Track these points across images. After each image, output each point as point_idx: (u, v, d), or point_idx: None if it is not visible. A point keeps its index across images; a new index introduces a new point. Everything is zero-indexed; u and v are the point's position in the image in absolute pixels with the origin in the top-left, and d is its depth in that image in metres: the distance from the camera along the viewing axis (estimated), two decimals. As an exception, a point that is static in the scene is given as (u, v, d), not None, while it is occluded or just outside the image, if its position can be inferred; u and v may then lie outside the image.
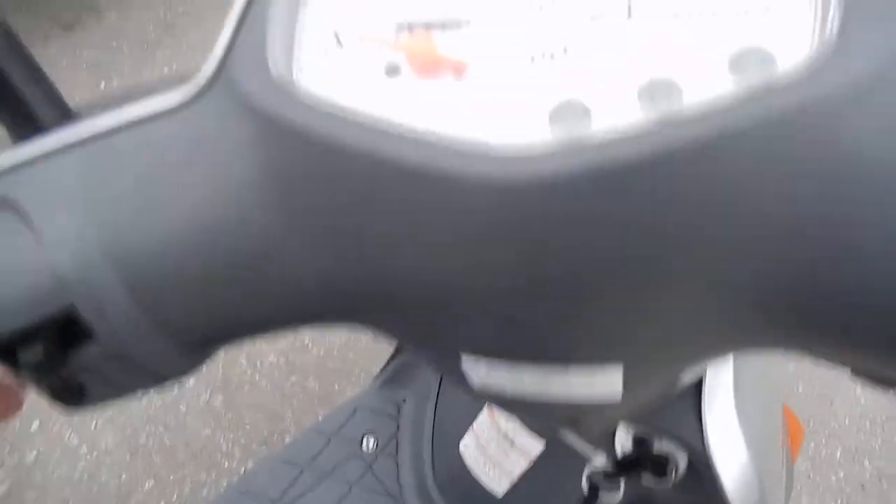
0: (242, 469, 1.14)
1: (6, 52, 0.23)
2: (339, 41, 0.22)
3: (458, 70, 0.20)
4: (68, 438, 1.16)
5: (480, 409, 0.45)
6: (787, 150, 0.17)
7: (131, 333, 0.22)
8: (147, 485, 1.12)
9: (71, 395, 0.24)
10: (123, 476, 1.13)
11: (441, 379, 0.50)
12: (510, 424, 0.42)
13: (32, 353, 0.22)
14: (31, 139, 0.24)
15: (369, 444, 0.49)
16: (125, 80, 1.61)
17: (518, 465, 0.42)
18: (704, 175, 0.18)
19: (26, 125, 0.24)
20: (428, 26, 0.21)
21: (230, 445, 1.16)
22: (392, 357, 0.56)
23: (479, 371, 0.24)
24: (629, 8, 0.20)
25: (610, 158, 0.17)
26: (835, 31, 0.17)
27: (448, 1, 0.21)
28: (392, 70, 0.21)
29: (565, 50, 0.20)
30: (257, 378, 1.22)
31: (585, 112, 0.19)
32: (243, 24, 0.22)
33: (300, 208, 0.22)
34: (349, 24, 0.22)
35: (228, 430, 1.17)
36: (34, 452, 1.14)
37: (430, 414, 0.49)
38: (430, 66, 0.20)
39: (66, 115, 0.24)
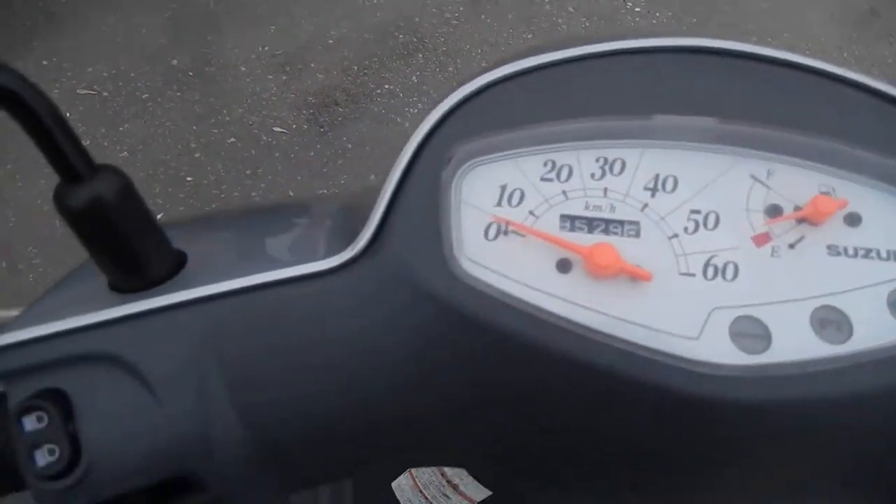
0: None
1: (119, 201, 0.21)
2: (504, 231, 0.22)
3: (641, 278, 0.21)
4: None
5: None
6: None
7: (243, 485, 0.22)
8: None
9: None
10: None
11: None
12: (456, 471, 0.42)
13: None
14: (140, 293, 0.22)
15: None
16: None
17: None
18: (869, 416, 0.20)
19: (133, 278, 0.22)
20: (591, 226, 0.22)
21: None
22: None
23: None
24: (795, 242, 0.22)
25: (795, 395, 0.19)
26: None
27: (608, 202, 0.22)
28: (563, 266, 0.22)
29: (737, 270, 0.21)
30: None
31: (766, 332, 0.20)
32: (399, 199, 0.22)
33: (451, 382, 0.22)
34: (515, 214, 0.22)
35: None
36: None
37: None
38: (610, 270, 0.21)
39: (176, 267, 0.23)
